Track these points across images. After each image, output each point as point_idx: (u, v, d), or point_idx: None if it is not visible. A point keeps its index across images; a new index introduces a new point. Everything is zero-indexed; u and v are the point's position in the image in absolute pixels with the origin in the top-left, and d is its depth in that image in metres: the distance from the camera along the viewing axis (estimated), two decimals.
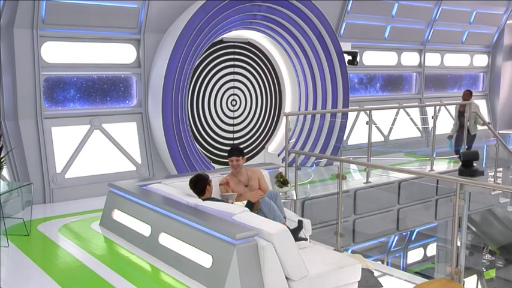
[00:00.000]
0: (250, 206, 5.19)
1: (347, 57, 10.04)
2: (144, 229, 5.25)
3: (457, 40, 13.43)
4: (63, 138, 7.59)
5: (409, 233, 9.96)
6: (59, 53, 7.50)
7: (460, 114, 10.36)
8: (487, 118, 14.02)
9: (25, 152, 7.18)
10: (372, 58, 11.61)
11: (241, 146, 9.73)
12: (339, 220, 5.89)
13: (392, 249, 9.94)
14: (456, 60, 13.68)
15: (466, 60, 13.97)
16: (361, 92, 11.70)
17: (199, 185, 5.30)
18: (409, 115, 12.32)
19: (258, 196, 5.29)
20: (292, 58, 9.68)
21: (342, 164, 6.06)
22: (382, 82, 12.10)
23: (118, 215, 5.82)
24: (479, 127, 10.29)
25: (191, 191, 5.37)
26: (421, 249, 10.61)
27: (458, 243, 5.00)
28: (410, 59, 12.47)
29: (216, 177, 5.87)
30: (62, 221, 6.41)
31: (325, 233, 6.59)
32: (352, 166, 9.42)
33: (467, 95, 10.28)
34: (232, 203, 5.26)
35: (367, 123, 8.57)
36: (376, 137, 11.02)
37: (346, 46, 10.07)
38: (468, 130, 9.79)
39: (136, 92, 8.30)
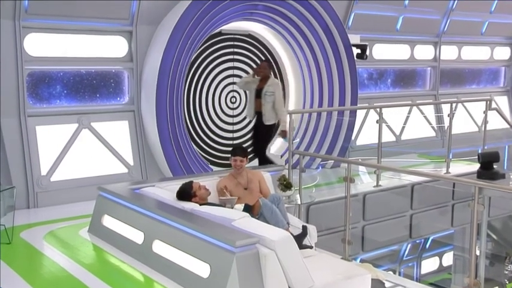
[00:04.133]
0: (248, 209, 5.21)
1: (356, 51, 10.05)
2: (137, 236, 5.26)
3: (476, 31, 13.41)
4: (49, 138, 7.60)
5: (423, 240, 9.96)
6: (43, 45, 7.51)
7: (258, 93, 8.07)
8: (509, 117, 14.01)
9: (7, 152, 7.19)
10: (382, 52, 11.62)
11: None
12: (346, 226, 5.91)
13: (404, 258, 9.93)
14: (475, 53, 13.66)
15: (485, 53, 13.95)
16: (370, 89, 11.72)
17: (185, 196, 5.33)
18: (422, 113, 12.31)
19: (257, 197, 5.31)
20: (296, 52, 9.70)
21: (350, 165, 6.07)
22: (393, 77, 12.10)
23: (108, 221, 5.83)
24: (284, 119, 7.91)
25: None
26: (437, 258, 10.61)
27: (478, 252, 5.02)
28: (424, 52, 12.47)
29: (214, 180, 5.90)
30: (47, 228, 6.42)
31: (332, 240, 6.59)
32: (361, 168, 9.41)
33: (265, 68, 8.15)
34: (231, 208, 5.27)
35: (377, 122, 8.59)
36: (387, 137, 11.02)
37: (354, 39, 10.08)
38: (261, 120, 8.03)
39: (128, 88, 8.31)
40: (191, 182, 5.47)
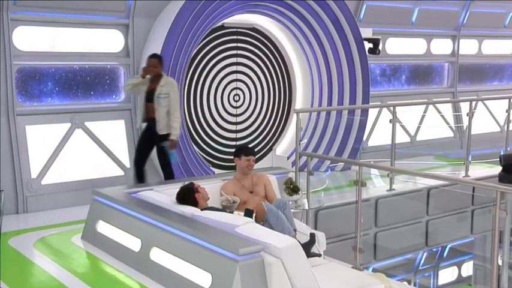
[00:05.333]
0: (250, 214, 5.23)
1: (368, 45, 10.05)
2: (133, 243, 5.28)
3: (499, 23, 13.36)
4: (40, 138, 7.63)
5: (440, 248, 9.95)
6: (33, 39, 7.54)
7: (149, 96, 7.14)
8: None
9: None
10: (396, 46, 11.62)
11: None
12: (357, 233, 5.91)
13: (420, 268, 9.92)
14: (497, 48, 13.61)
15: (509, 47, 13.89)
16: (383, 86, 11.71)
17: (187, 197, 5.36)
18: (439, 112, 12.30)
19: (257, 202, 5.34)
20: (303, 46, 9.70)
21: (362, 168, 6.07)
22: (408, 74, 12.09)
23: (103, 227, 5.85)
24: (175, 126, 7.09)
25: None
26: (455, 268, 10.58)
27: (500, 262, 5.00)
28: (441, 46, 12.46)
29: (216, 183, 5.92)
30: (37, 234, 6.44)
31: (342, 248, 6.59)
32: (373, 171, 9.42)
33: (156, 65, 7.12)
34: (231, 212, 5.29)
35: (390, 122, 8.59)
36: (401, 138, 11.01)
37: (366, 32, 10.08)
38: (154, 129, 7.10)
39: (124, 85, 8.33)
40: (192, 183, 5.50)
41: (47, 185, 7.62)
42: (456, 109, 12.53)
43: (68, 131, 7.84)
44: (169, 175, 7.33)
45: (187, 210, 5.13)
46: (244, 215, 5.21)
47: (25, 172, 7.44)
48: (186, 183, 5.57)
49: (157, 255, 4.96)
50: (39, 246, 6.08)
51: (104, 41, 8.09)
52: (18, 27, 7.37)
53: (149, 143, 7.29)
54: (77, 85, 8.00)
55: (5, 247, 5.97)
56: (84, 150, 7.97)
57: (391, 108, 8.82)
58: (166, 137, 7.11)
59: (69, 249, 5.90)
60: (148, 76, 7.17)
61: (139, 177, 7.34)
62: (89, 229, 6.06)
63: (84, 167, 7.92)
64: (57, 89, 7.85)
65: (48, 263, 5.55)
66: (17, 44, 7.39)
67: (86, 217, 6.17)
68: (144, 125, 7.30)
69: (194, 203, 5.35)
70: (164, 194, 5.66)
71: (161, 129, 7.08)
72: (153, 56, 7.28)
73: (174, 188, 5.69)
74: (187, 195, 5.37)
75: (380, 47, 10.29)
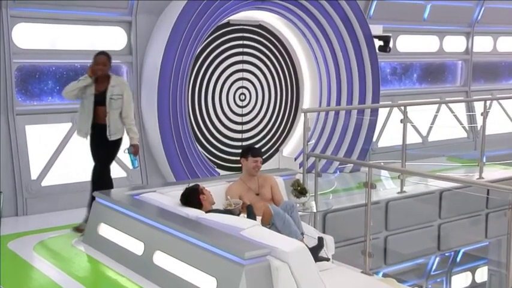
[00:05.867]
0: (251, 210, 5.26)
1: (378, 43, 10.04)
2: (136, 247, 5.30)
3: None
4: (40, 138, 7.66)
5: (453, 253, 9.92)
6: (34, 36, 7.57)
7: (99, 99, 6.38)
8: None
9: None
10: (408, 43, 11.59)
11: None
12: (367, 237, 5.90)
13: (432, 273, 9.90)
14: None
15: None
16: (394, 85, 11.69)
17: (192, 199, 5.37)
18: (452, 112, 12.27)
19: (264, 204, 5.36)
20: (311, 44, 9.70)
21: (371, 170, 6.07)
22: (420, 72, 12.06)
23: (105, 230, 5.87)
24: (135, 129, 6.60)
25: None
26: (469, 273, 10.56)
27: None
28: (455, 44, 12.42)
29: (221, 185, 5.93)
30: (37, 237, 6.46)
31: (351, 252, 6.60)
32: (383, 172, 9.40)
33: (105, 63, 6.44)
34: (238, 215, 5.30)
35: (401, 122, 8.57)
36: (413, 138, 10.99)
37: (376, 29, 10.07)
38: (104, 134, 6.40)
39: None
40: (197, 185, 5.53)
41: (47, 186, 7.65)
42: (470, 109, 12.49)
43: (69, 131, 7.86)
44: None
45: (192, 212, 5.14)
46: (247, 215, 5.23)
47: (25, 173, 7.47)
48: (191, 184, 5.59)
49: (161, 259, 4.97)
50: (39, 249, 6.10)
51: (106, 39, 8.11)
52: (18, 24, 7.40)
53: (104, 150, 6.61)
54: None
55: (4, 250, 5.99)
56: (85, 150, 7.97)
57: (402, 107, 8.79)
58: (118, 142, 6.55)
59: (70, 253, 5.92)
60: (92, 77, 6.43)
61: (107, 186, 6.61)
62: (90, 232, 6.08)
63: (85, 168, 7.91)
64: (58, 87, 7.87)
65: (48, 267, 5.57)
66: (16, 42, 7.42)
67: None
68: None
69: (199, 205, 5.38)
70: (168, 196, 5.68)
71: (112, 134, 6.44)
72: (101, 53, 6.59)
73: (177, 190, 5.72)
74: (192, 197, 5.39)
75: (391, 45, 10.28)
